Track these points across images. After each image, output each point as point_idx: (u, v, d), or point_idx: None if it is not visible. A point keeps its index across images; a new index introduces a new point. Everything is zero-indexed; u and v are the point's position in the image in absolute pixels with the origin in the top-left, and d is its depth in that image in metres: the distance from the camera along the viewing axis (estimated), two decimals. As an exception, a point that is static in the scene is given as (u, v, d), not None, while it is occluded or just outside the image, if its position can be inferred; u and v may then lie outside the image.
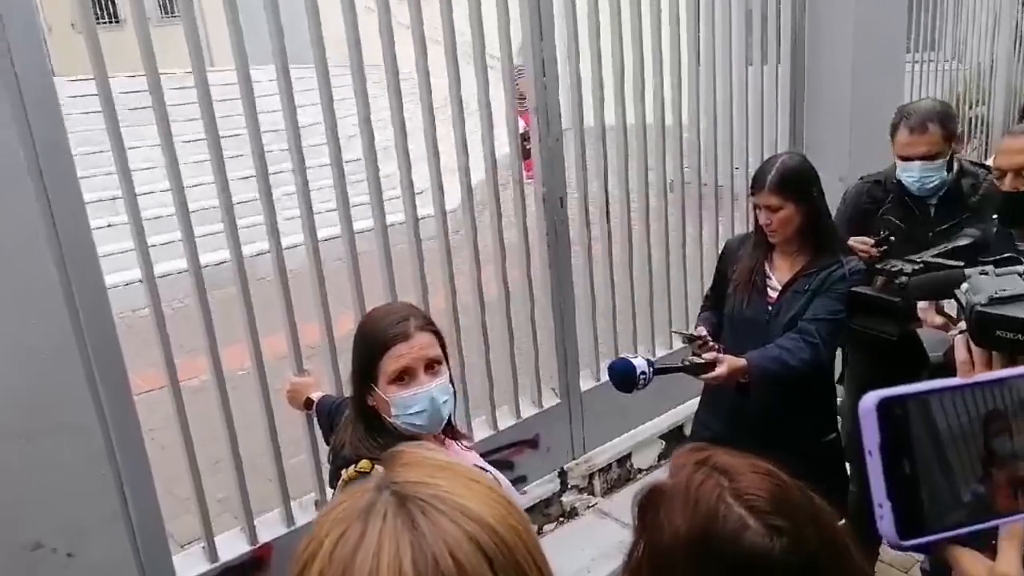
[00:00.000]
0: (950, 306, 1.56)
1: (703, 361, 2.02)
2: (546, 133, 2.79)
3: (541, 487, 3.08)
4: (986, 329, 1.05)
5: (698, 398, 2.48)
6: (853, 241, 2.38)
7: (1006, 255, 1.42)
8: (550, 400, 3.09)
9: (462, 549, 0.57)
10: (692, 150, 3.53)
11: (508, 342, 2.92)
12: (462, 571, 0.57)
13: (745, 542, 0.72)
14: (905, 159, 2.41)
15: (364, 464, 1.41)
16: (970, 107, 5.87)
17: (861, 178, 2.69)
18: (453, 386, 1.58)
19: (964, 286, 1.13)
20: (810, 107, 3.80)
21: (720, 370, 2.01)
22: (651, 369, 1.90)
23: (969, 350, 1.12)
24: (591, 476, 3.22)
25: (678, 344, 3.38)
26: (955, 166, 2.45)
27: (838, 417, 2.35)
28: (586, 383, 3.20)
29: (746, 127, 3.68)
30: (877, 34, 3.70)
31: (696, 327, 2.28)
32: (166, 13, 12.95)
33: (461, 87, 2.55)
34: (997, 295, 1.06)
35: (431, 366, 1.51)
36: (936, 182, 2.41)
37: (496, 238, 2.79)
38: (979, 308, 1.06)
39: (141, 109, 2.17)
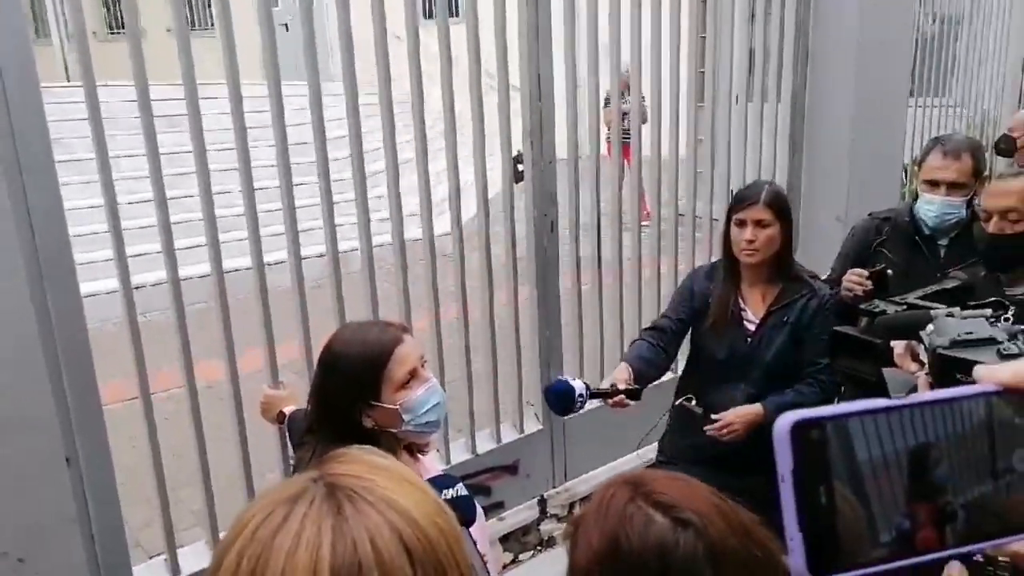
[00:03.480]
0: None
1: (635, 387, 2.00)
2: (539, 157, 2.80)
3: (519, 514, 3.04)
4: (946, 372, 1.03)
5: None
6: (849, 273, 2.31)
7: (992, 299, 1.40)
8: (532, 426, 3.06)
9: (383, 537, 0.59)
10: (689, 183, 3.52)
11: (492, 365, 2.90)
12: (379, 558, 0.58)
13: (651, 536, 0.74)
14: (932, 184, 2.34)
15: None
16: (975, 153, 5.89)
17: (870, 214, 2.63)
18: None
19: (929, 327, 1.11)
20: (809, 146, 3.80)
21: (735, 427, 2.05)
22: (588, 392, 1.90)
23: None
24: (571, 505, 3.17)
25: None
26: (970, 210, 2.37)
27: None
28: (570, 411, 3.16)
29: (744, 163, 3.69)
30: (879, 77, 3.71)
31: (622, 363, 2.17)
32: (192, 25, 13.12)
33: (455, 107, 2.56)
34: (960, 338, 1.04)
35: (424, 364, 1.53)
36: (953, 220, 2.35)
37: (484, 260, 2.78)
38: (940, 351, 1.04)
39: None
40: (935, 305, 1.53)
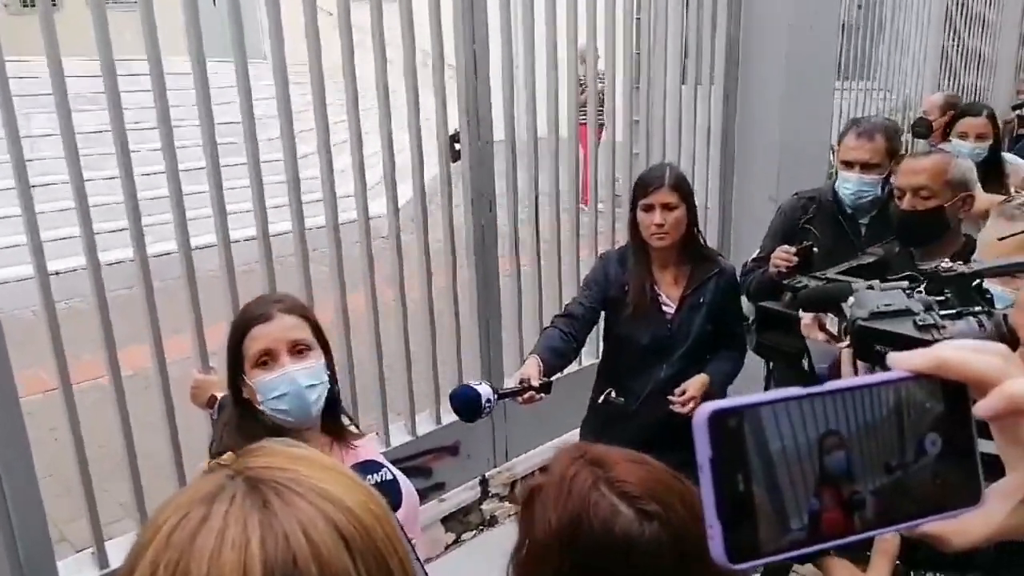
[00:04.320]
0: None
1: (546, 381, 1.96)
2: (476, 136, 2.77)
3: (461, 494, 3.05)
4: (865, 343, 1.06)
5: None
6: (777, 250, 2.38)
7: (906, 274, 1.45)
8: (472, 407, 3.06)
9: (317, 529, 0.54)
10: (624, 164, 3.55)
11: (431, 346, 2.88)
12: (316, 551, 0.53)
13: (617, 527, 0.75)
14: (848, 164, 2.44)
15: (228, 456, 1.36)
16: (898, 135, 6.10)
17: (796, 194, 2.71)
18: (333, 377, 1.51)
19: (851, 299, 1.15)
20: (742, 128, 3.88)
21: (698, 400, 2.09)
22: (495, 396, 1.84)
23: (855, 364, 1.12)
24: (512, 484, 3.20)
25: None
26: (888, 189, 2.45)
27: None
28: (510, 391, 3.17)
29: (679, 144, 3.74)
30: (808, 61, 3.80)
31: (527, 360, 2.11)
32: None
33: (389, 83, 2.52)
34: (878, 309, 1.08)
35: (297, 350, 1.44)
36: (870, 197, 2.44)
37: (421, 239, 2.75)
38: (860, 322, 1.07)
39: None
40: (854, 280, 1.58)
